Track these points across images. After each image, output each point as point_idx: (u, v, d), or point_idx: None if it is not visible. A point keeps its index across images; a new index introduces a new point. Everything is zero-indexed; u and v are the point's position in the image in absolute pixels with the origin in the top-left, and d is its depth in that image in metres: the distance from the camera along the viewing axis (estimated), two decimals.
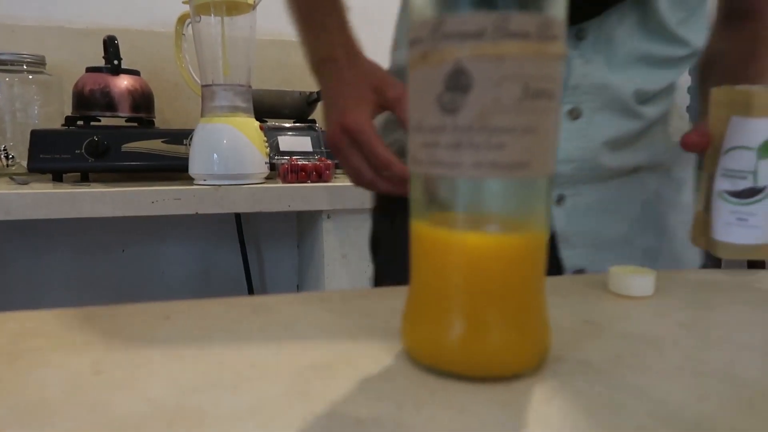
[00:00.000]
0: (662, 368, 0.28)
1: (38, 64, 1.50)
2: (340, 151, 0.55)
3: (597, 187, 0.56)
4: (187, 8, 1.30)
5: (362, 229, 1.33)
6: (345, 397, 0.25)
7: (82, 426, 0.22)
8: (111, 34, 1.47)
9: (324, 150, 1.40)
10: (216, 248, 1.77)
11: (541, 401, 0.25)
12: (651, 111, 0.55)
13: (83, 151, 1.28)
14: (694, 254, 0.62)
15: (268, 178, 1.31)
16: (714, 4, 0.59)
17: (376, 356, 0.29)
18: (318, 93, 1.53)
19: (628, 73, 0.52)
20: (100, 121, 1.42)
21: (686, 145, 0.47)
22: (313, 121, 1.54)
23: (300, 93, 1.53)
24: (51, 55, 1.56)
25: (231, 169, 1.20)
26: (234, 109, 1.24)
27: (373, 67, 0.57)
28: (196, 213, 1.20)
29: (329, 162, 1.31)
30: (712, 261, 0.64)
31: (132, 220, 1.18)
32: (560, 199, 0.55)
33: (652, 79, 0.54)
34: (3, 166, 1.39)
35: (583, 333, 0.33)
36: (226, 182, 1.20)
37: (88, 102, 1.39)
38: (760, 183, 0.43)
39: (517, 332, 0.27)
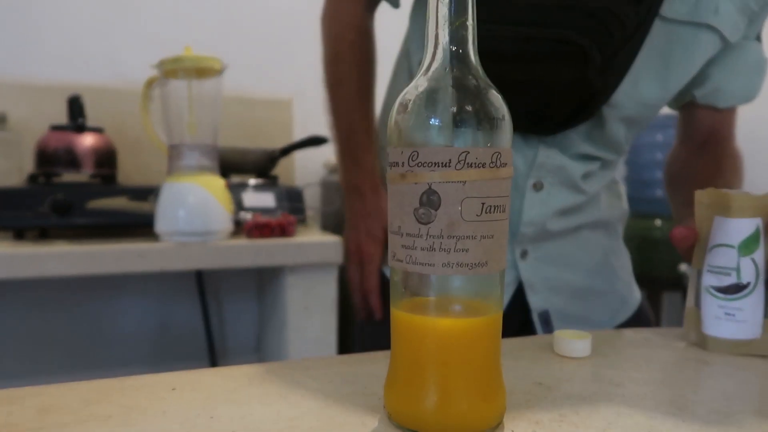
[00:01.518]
0: (597, 424, 0.35)
1: None
2: (351, 262, 0.72)
3: (552, 244, 0.67)
4: (153, 72, 1.35)
5: (324, 283, 1.38)
6: None
7: None
8: (73, 89, 1.50)
9: (287, 205, 1.45)
10: (174, 303, 1.77)
11: None
12: (592, 187, 0.66)
13: (47, 208, 1.29)
14: (635, 293, 0.75)
15: (234, 234, 1.35)
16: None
17: (363, 420, 0.35)
18: (281, 151, 1.59)
19: (578, 162, 0.65)
20: (60, 176, 1.43)
21: (674, 239, 0.52)
22: (276, 177, 1.60)
23: (263, 150, 1.59)
24: (11, 110, 1.57)
25: (197, 226, 1.24)
26: (200, 168, 1.28)
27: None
28: (161, 270, 1.22)
29: (292, 218, 1.36)
30: (650, 301, 0.74)
31: (89, 276, 1.19)
32: (524, 254, 0.65)
33: (595, 167, 0.66)
34: None
35: (534, 394, 0.39)
36: (193, 239, 1.23)
37: (52, 159, 1.41)
38: (744, 279, 0.47)
39: (481, 398, 0.33)
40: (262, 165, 1.58)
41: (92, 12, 1.71)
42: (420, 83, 0.33)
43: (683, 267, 2.06)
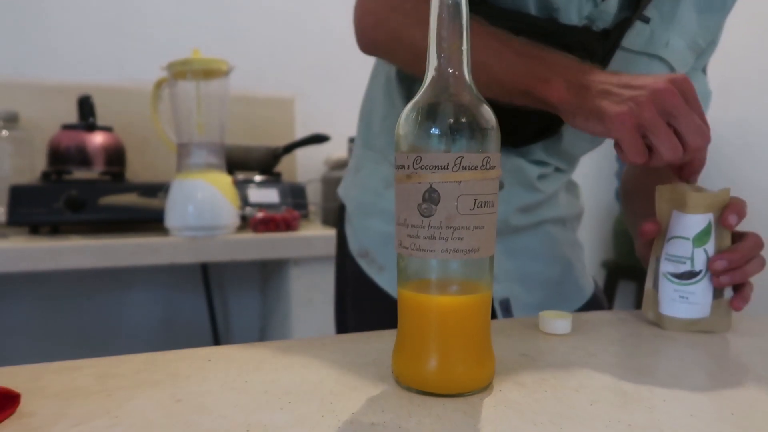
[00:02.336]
0: (575, 383, 0.41)
1: (12, 120, 1.56)
2: (677, 107, 0.49)
3: (515, 238, 0.74)
4: (162, 73, 1.40)
5: (327, 275, 1.43)
6: (359, 411, 0.36)
7: None
8: (83, 90, 1.56)
9: (291, 201, 1.51)
10: (180, 296, 1.83)
11: (490, 408, 0.37)
12: (549, 188, 0.74)
13: (61, 204, 1.34)
14: (589, 282, 0.82)
15: (240, 229, 1.41)
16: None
17: (375, 384, 0.41)
18: (284, 149, 1.65)
19: (534, 165, 0.72)
20: (72, 173, 1.49)
21: (643, 233, 0.58)
22: (279, 174, 1.66)
23: (267, 148, 1.65)
24: (24, 110, 1.62)
25: (205, 221, 1.30)
26: (208, 166, 1.34)
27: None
28: (172, 263, 1.28)
29: (296, 213, 1.42)
30: (603, 289, 0.81)
31: (97, 269, 1.24)
32: None
33: (549, 171, 0.74)
34: None
35: (520, 363, 0.46)
36: (201, 233, 1.30)
37: (64, 157, 1.47)
38: (697, 268, 0.54)
39: (474, 363, 0.39)
40: (266, 162, 1.64)
41: (101, 15, 1.77)
42: (422, 98, 0.39)
43: None
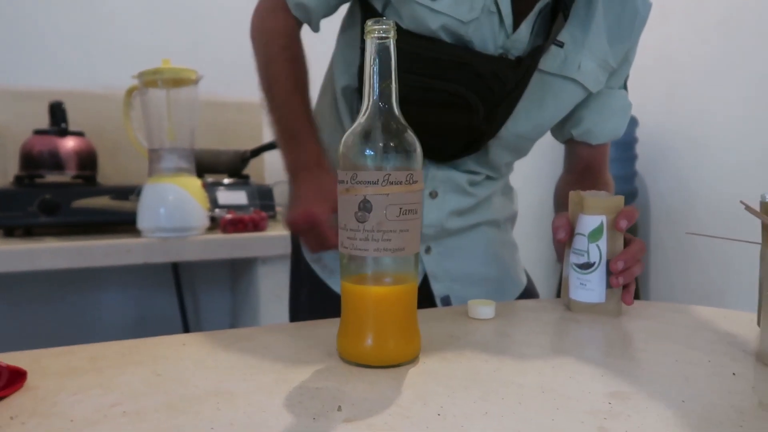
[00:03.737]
0: (487, 356, 0.51)
1: None
2: (300, 231, 0.70)
3: (451, 240, 0.83)
4: (132, 79, 1.46)
5: None
6: (308, 379, 0.45)
7: (172, 399, 0.41)
8: (54, 96, 1.60)
9: (258, 202, 1.59)
10: (152, 295, 1.89)
11: (414, 376, 0.46)
12: (481, 192, 0.83)
13: (36, 207, 1.40)
14: (522, 277, 0.92)
15: (210, 229, 1.48)
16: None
17: (322, 359, 0.50)
18: (251, 152, 1.73)
19: (464, 173, 0.81)
20: (44, 177, 1.53)
21: (553, 227, 0.69)
22: (247, 176, 1.73)
23: (235, 151, 1.72)
24: None
25: (176, 222, 1.37)
26: (178, 170, 1.41)
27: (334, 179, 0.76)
28: (145, 263, 1.35)
29: (264, 214, 1.50)
30: (532, 286, 0.91)
31: (72, 270, 1.30)
32: (428, 250, 0.81)
33: (480, 178, 0.83)
34: None
35: (447, 342, 0.55)
36: (173, 234, 1.36)
37: (36, 162, 1.51)
38: (591, 260, 0.64)
39: (403, 340, 0.49)
40: (235, 165, 1.71)
41: (73, 22, 1.81)
42: (359, 126, 0.48)
43: None
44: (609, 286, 0.64)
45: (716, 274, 2.09)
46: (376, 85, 0.48)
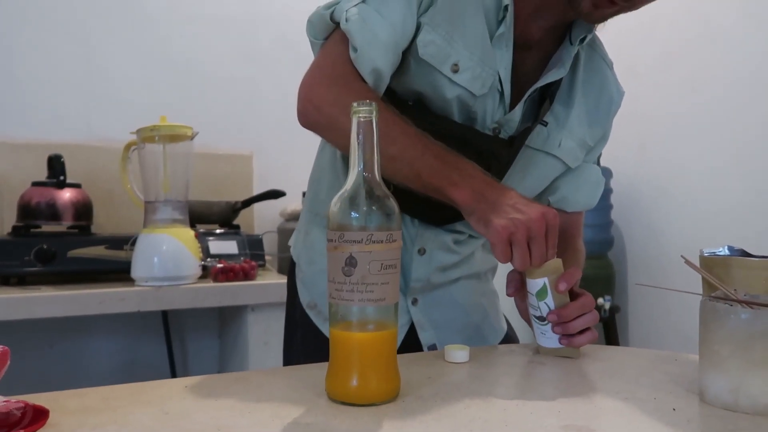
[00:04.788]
0: (459, 396, 0.57)
1: None
2: (538, 236, 0.67)
3: (436, 292, 0.90)
4: (127, 133, 1.54)
5: (281, 320, 1.56)
6: (302, 415, 0.51)
7: None
8: (52, 147, 1.67)
9: (248, 252, 1.65)
10: (140, 341, 1.92)
11: (393, 413, 0.52)
12: (465, 250, 0.91)
13: (32, 257, 1.45)
14: (503, 324, 0.98)
15: (201, 278, 1.53)
16: None
17: (312, 399, 0.56)
18: (242, 203, 1.80)
19: (451, 233, 0.89)
20: (41, 227, 1.59)
21: (507, 283, 0.76)
22: (238, 227, 1.80)
23: (226, 202, 1.79)
24: None
25: (170, 271, 1.42)
26: (173, 221, 1.48)
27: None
28: (138, 311, 1.40)
29: (254, 263, 1.56)
30: (512, 332, 0.98)
31: (60, 317, 1.33)
32: (414, 301, 0.87)
33: (464, 237, 0.90)
34: None
35: (423, 383, 0.61)
36: (165, 283, 1.42)
37: (34, 212, 1.57)
38: (543, 314, 0.72)
39: (384, 381, 0.55)
40: (226, 216, 1.78)
41: (71, 76, 1.90)
42: (345, 191, 0.56)
43: (600, 300, 2.34)
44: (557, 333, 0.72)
45: (693, 320, 2.17)
46: (361, 157, 0.55)
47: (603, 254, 2.42)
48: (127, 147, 1.52)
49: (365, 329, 0.55)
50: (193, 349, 1.99)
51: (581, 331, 0.72)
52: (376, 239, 0.54)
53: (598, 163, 0.96)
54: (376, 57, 0.75)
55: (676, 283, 0.71)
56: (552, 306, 0.71)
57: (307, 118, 0.78)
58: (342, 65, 0.76)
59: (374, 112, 0.56)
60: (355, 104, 0.56)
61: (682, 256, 0.65)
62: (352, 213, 0.55)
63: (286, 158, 2.09)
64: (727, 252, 0.66)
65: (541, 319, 0.72)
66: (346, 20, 0.75)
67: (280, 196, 1.81)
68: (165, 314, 1.86)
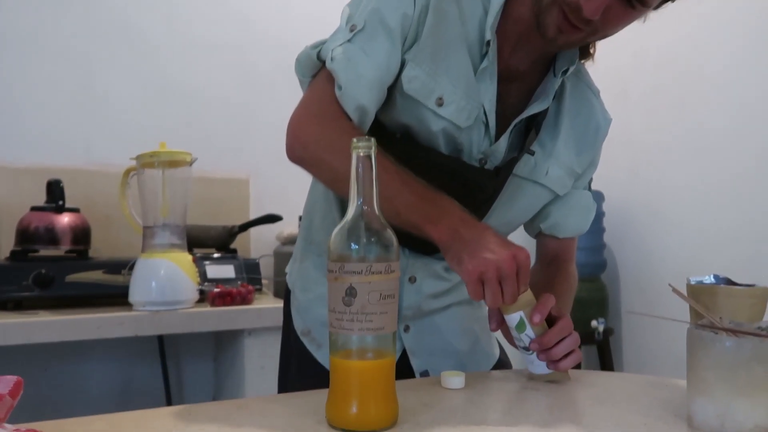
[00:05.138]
0: (455, 421, 0.59)
1: None
2: (508, 276, 0.68)
3: (428, 319, 0.91)
4: (125, 158, 1.56)
5: (277, 344, 1.57)
6: None
7: None
8: (49, 172, 1.69)
9: (246, 276, 1.66)
10: (135, 365, 1.92)
11: None
12: (455, 277, 0.90)
13: (30, 282, 1.45)
14: (495, 350, 0.99)
15: (199, 302, 1.54)
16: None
17: (313, 426, 0.57)
18: (239, 227, 1.81)
19: (440, 260, 0.88)
20: (38, 252, 1.60)
21: (489, 319, 0.78)
22: (235, 251, 1.81)
23: (223, 227, 1.81)
24: None
25: (167, 296, 1.43)
26: (171, 246, 1.49)
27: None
28: (136, 335, 1.40)
29: (251, 287, 1.57)
30: (505, 357, 0.99)
31: (46, 345, 1.32)
32: (406, 328, 0.89)
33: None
34: None
35: (419, 409, 0.63)
36: (163, 308, 1.43)
37: (33, 237, 1.58)
38: (526, 345, 0.74)
39: (382, 407, 0.56)
40: (223, 240, 1.80)
41: (69, 101, 1.92)
42: (346, 224, 0.58)
43: (594, 323, 2.36)
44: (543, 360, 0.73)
45: (685, 343, 2.19)
46: (360, 191, 0.58)
47: (596, 277, 2.45)
48: (127, 172, 1.54)
49: (365, 357, 0.57)
50: (188, 373, 1.99)
51: (566, 355, 0.73)
52: (376, 270, 0.56)
53: (589, 188, 0.98)
54: (360, 95, 0.77)
55: (668, 306, 0.72)
56: (532, 336, 0.73)
57: (294, 154, 0.80)
58: (328, 104, 0.79)
59: (373, 148, 0.58)
60: (354, 140, 0.58)
61: (669, 285, 0.67)
62: (352, 245, 0.57)
63: (282, 182, 2.11)
64: (712, 280, 0.68)
65: (525, 349, 0.74)
66: (332, 59, 0.77)
67: (277, 220, 1.83)
68: (161, 338, 1.86)
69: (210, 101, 2.11)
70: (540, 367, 0.75)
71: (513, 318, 0.73)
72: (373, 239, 0.57)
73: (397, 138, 0.82)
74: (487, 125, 0.82)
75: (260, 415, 0.61)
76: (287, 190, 2.10)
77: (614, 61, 2.47)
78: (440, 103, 0.80)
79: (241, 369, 1.57)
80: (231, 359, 1.72)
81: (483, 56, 0.81)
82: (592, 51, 0.91)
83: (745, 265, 2.01)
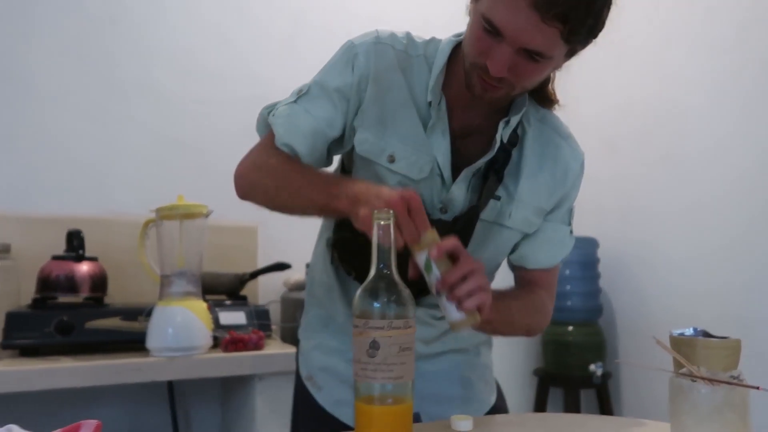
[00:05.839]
0: None
1: (4, 251, 1.75)
2: (399, 215, 0.71)
3: (420, 364, 0.89)
4: (141, 209, 1.65)
5: (287, 388, 1.62)
6: None
7: None
8: (67, 222, 1.77)
9: (256, 322, 1.73)
10: (144, 410, 1.96)
11: None
12: (443, 324, 0.95)
13: (52, 329, 1.52)
14: (491, 396, 1.04)
15: (212, 348, 1.60)
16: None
17: None
18: (250, 275, 1.89)
19: (425, 309, 0.94)
20: (57, 299, 1.66)
21: (411, 275, 0.76)
22: (245, 297, 1.88)
23: (234, 274, 1.89)
24: (14, 240, 1.81)
25: (183, 342, 1.50)
26: (187, 294, 1.56)
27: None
28: (152, 381, 1.46)
29: (262, 333, 1.64)
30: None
31: (58, 390, 1.36)
32: None
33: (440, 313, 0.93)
34: None
35: None
36: (179, 354, 1.49)
37: (53, 285, 1.65)
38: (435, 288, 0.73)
39: None
40: (233, 287, 1.87)
41: (86, 153, 2.02)
42: (368, 286, 0.66)
43: (592, 367, 2.41)
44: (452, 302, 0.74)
45: None
46: (381, 256, 0.67)
47: (593, 321, 2.52)
48: (146, 224, 1.63)
49: (385, 402, 0.65)
50: (196, 419, 2.03)
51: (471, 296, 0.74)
52: (396, 326, 0.64)
53: (569, 223, 0.98)
54: (293, 141, 0.89)
55: (663, 351, 0.77)
56: (438, 277, 0.74)
57: (239, 190, 0.95)
58: (267, 148, 0.92)
59: (392, 219, 0.67)
60: (375, 212, 0.67)
61: (653, 337, 0.75)
62: (375, 303, 0.65)
63: (288, 230, 2.19)
64: (692, 332, 0.76)
65: (438, 293, 0.75)
66: (274, 115, 0.92)
67: (286, 268, 1.91)
68: (170, 383, 1.91)
69: (220, 154, 2.20)
70: (452, 313, 0.74)
71: (421, 259, 0.74)
72: (392, 298, 0.65)
73: None
74: (442, 177, 0.89)
75: None
76: (293, 238, 2.18)
77: (601, 109, 2.61)
78: (392, 159, 0.89)
79: (251, 413, 1.63)
80: (240, 404, 1.77)
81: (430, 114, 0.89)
82: (553, 98, 0.96)
83: (736, 308, 2.09)
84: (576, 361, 2.46)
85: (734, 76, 2.15)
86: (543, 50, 0.76)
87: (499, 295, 0.85)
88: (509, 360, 2.61)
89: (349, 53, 0.91)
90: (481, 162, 0.89)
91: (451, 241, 0.75)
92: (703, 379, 0.64)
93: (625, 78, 2.54)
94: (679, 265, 2.33)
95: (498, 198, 0.91)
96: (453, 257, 0.75)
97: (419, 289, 0.69)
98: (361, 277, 0.71)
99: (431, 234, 0.75)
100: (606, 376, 2.46)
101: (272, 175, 0.90)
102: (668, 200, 2.38)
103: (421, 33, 0.98)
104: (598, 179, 2.54)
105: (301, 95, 0.92)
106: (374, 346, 0.64)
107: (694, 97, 2.28)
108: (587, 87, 2.43)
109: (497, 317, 0.83)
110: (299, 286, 2.10)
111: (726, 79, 2.18)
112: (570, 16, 0.72)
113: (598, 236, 2.52)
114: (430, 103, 0.89)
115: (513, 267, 1.02)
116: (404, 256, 0.73)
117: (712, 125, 2.22)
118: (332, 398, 0.98)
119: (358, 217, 0.74)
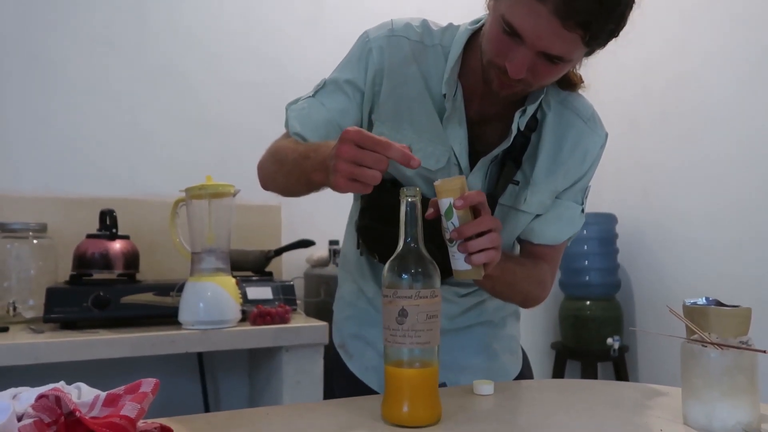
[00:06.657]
0: (489, 420, 0.71)
1: (41, 230, 1.83)
2: (353, 156, 0.70)
3: (447, 337, 0.91)
4: (181, 193, 1.71)
5: (313, 361, 1.70)
6: None
7: None
8: (101, 202, 1.84)
9: (282, 297, 1.80)
10: (175, 381, 2.05)
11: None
12: (468, 301, 1.01)
13: (90, 304, 1.60)
14: (515, 365, 1.08)
15: (240, 321, 1.67)
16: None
17: (370, 423, 0.70)
18: (275, 251, 1.95)
19: (449, 287, 0.99)
20: (92, 276, 1.74)
21: (428, 210, 0.78)
22: (271, 273, 1.95)
23: (260, 251, 1.95)
24: (50, 220, 1.89)
25: (214, 316, 1.57)
26: (216, 270, 1.63)
27: None
28: (186, 352, 1.54)
29: (288, 307, 1.70)
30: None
31: (95, 361, 1.43)
32: None
33: (465, 290, 1.01)
34: (10, 315, 1.67)
35: (458, 411, 0.75)
36: (210, 327, 1.56)
37: (89, 262, 1.73)
38: (450, 235, 0.74)
39: (429, 407, 0.69)
40: (259, 263, 1.94)
41: (117, 137, 2.09)
42: (397, 257, 0.71)
43: (609, 340, 2.45)
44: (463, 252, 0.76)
45: None
46: (408, 231, 0.71)
47: (611, 296, 2.55)
48: (176, 203, 1.69)
49: (413, 366, 0.69)
50: (224, 388, 2.12)
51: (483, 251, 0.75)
52: (423, 295, 0.69)
53: (581, 202, 0.99)
54: (305, 131, 0.94)
55: (679, 323, 0.79)
56: (457, 225, 0.76)
57: (261, 182, 1.01)
58: (281, 140, 0.97)
59: (418, 196, 0.71)
60: (402, 189, 0.71)
61: (667, 306, 0.79)
62: (403, 275, 0.70)
63: (311, 209, 2.25)
64: (704, 302, 0.80)
65: (450, 241, 0.76)
66: (291, 109, 0.98)
67: (311, 245, 1.96)
68: (200, 355, 1.99)
69: (245, 135, 2.26)
70: (459, 262, 0.76)
71: (443, 203, 0.75)
72: (420, 270, 0.70)
73: (388, 187, 0.89)
74: (459, 166, 0.92)
75: (328, 415, 0.73)
76: (316, 216, 2.25)
77: (624, 92, 2.61)
78: None
79: (278, 383, 1.70)
80: (267, 375, 1.84)
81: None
82: (576, 80, 0.94)
83: (750, 281, 2.10)
84: (594, 336, 2.50)
85: (758, 55, 2.14)
86: (563, 54, 0.76)
87: (507, 257, 0.86)
88: (527, 334, 2.63)
89: (364, 48, 0.95)
90: (498, 151, 0.91)
91: (477, 195, 0.75)
92: (712, 344, 0.68)
93: (647, 56, 2.53)
94: (697, 242, 2.34)
95: (516, 183, 0.93)
96: (474, 210, 0.77)
97: (442, 270, 0.72)
98: (384, 260, 0.74)
99: (459, 180, 0.75)
100: (623, 349, 2.50)
101: (273, 161, 0.95)
102: (688, 178, 2.39)
103: (440, 16, 1.01)
104: (618, 157, 2.55)
105: (318, 90, 0.97)
106: (403, 313, 0.68)
107: (717, 75, 2.27)
108: (609, 65, 2.42)
109: (500, 276, 0.84)
110: (322, 263, 2.16)
111: (749, 58, 2.17)
112: (591, 22, 0.71)
113: (617, 212, 2.54)
114: (444, 95, 0.90)
115: (518, 239, 1.03)
116: (430, 230, 0.76)
117: (733, 104, 2.22)
118: (362, 365, 1.04)
119: (335, 187, 0.74)
